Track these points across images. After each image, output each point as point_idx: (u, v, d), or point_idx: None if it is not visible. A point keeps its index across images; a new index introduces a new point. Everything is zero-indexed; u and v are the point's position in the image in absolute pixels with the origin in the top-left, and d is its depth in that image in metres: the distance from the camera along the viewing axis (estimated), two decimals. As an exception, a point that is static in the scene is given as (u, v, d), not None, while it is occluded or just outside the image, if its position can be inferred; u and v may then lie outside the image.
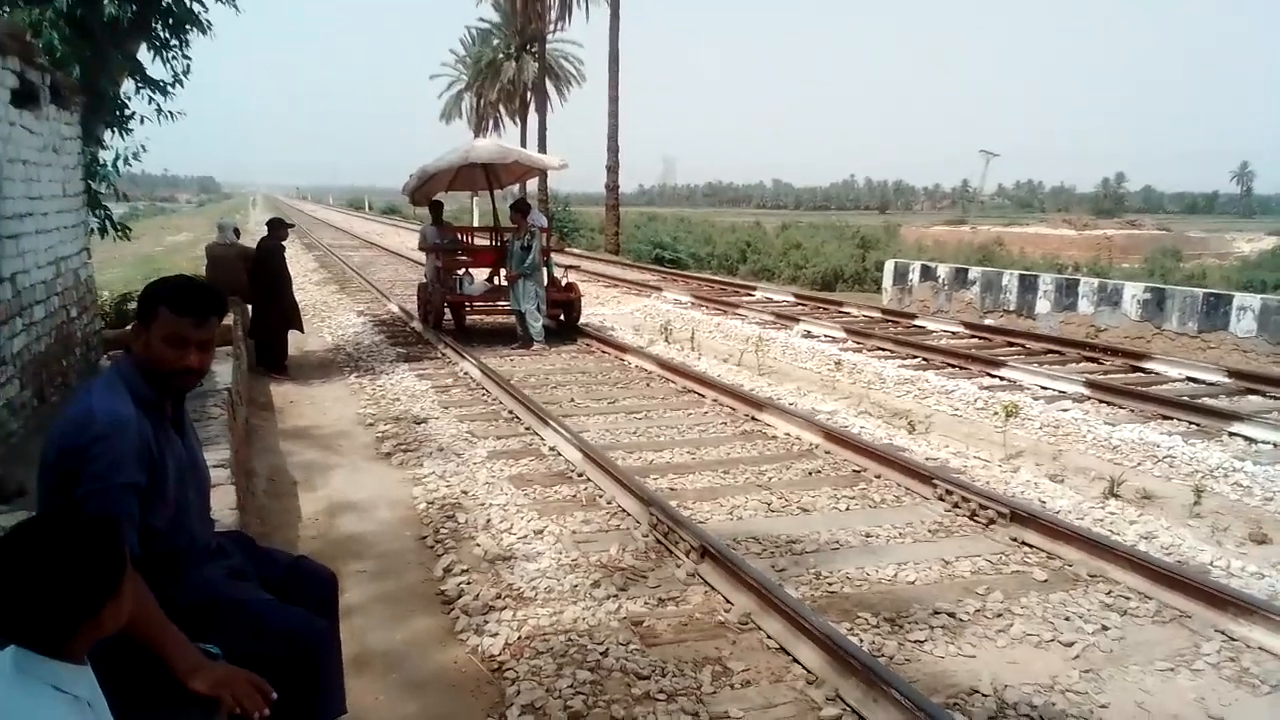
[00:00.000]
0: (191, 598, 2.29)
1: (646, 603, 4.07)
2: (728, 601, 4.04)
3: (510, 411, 7.63)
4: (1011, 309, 14.02)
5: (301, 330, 10.29)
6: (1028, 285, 13.87)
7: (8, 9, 8.11)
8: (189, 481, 2.40)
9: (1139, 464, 6.54)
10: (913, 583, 4.34)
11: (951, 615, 3.97)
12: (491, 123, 47.55)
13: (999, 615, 3.99)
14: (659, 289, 17.06)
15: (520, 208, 11.49)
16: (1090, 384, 8.39)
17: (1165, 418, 7.52)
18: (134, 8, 9.18)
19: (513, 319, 11.27)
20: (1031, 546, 4.75)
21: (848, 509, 5.39)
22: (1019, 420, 7.30)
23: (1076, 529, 4.78)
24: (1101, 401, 8.06)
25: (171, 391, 2.35)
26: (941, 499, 5.38)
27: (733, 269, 30.71)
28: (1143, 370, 9.59)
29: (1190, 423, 7.34)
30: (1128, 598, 4.19)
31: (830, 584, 4.30)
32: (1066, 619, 3.97)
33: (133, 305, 11.17)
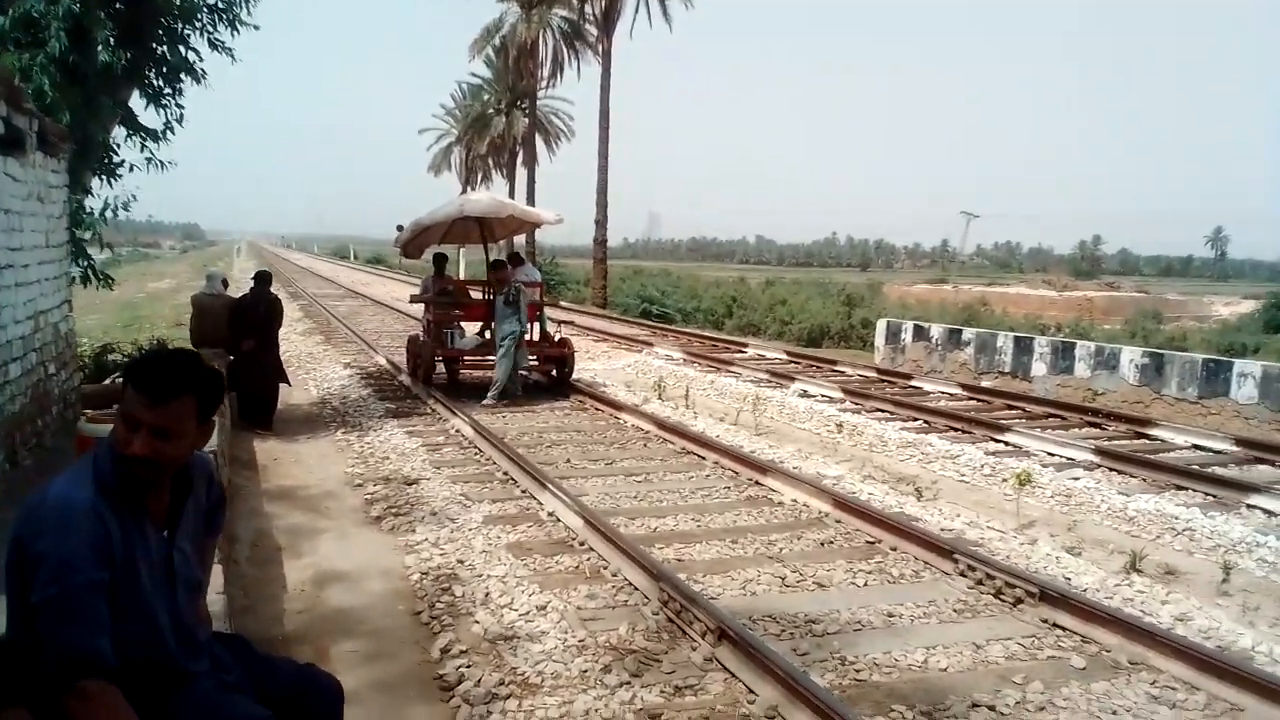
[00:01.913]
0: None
1: (662, 691, 3.77)
2: (751, 691, 3.74)
3: (505, 473, 7.33)
4: (1006, 370, 13.90)
5: (289, 384, 10.00)
6: (1023, 347, 13.77)
7: (-3, 53, 7.92)
8: (176, 583, 2.07)
9: (1158, 537, 6.34)
10: (945, 669, 4.07)
11: (991, 709, 3.69)
12: (480, 176, 47.81)
13: (1042, 709, 3.72)
14: (650, 344, 16.88)
15: (514, 261, 11.32)
16: (1099, 451, 8.20)
17: (1180, 488, 7.32)
18: (128, 55, 9.03)
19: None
20: (1064, 629, 4.49)
21: (866, 584, 5.12)
22: (1029, 488, 7.09)
23: (1112, 611, 4.52)
24: (1112, 470, 7.86)
25: (132, 481, 1.97)
26: (963, 574, 5.12)
27: (719, 324, 30.67)
28: (1148, 437, 9.42)
29: (1206, 493, 7.15)
30: (1174, 688, 3.93)
31: (857, 670, 4.02)
32: (1114, 713, 3.70)
33: (114, 356, 10.91)
